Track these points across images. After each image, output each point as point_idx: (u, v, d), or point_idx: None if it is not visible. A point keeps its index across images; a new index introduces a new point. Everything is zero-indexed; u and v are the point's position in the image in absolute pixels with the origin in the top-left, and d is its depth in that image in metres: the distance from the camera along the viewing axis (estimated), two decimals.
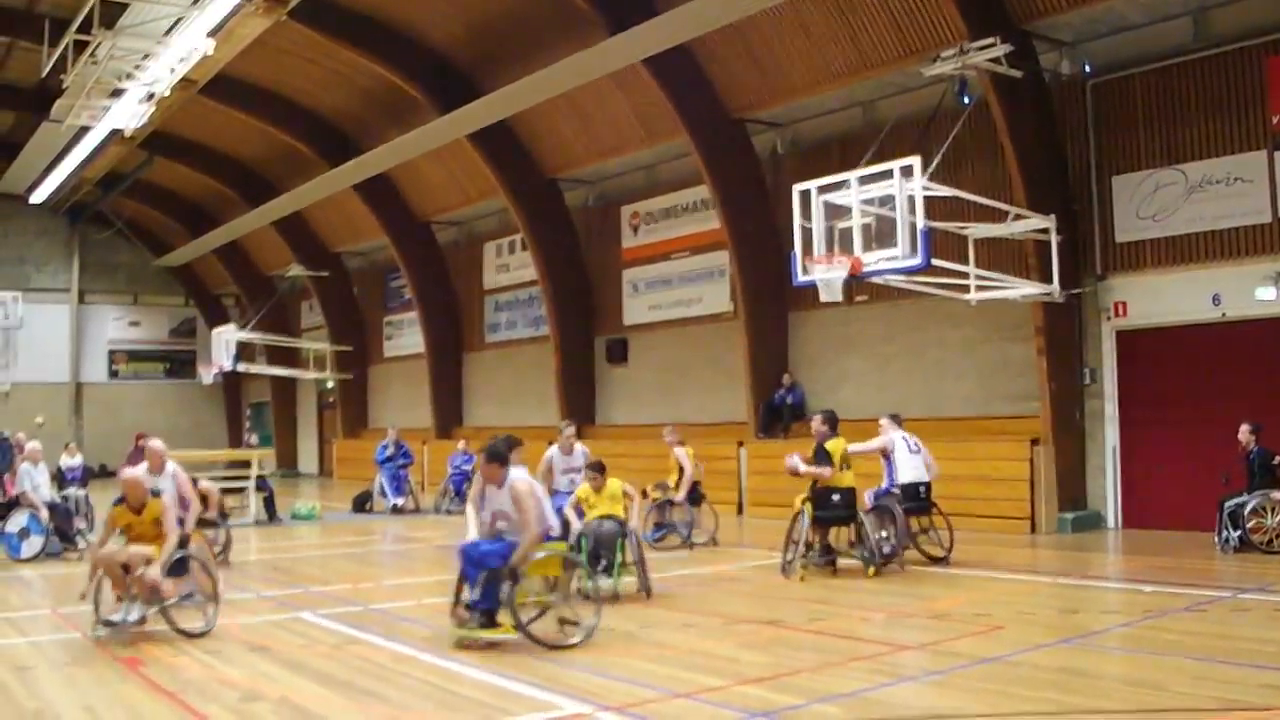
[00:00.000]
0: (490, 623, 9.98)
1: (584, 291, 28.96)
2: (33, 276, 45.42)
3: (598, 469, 13.15)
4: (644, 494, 17.26)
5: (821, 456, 14.08)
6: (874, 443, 15.26)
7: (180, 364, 48.57)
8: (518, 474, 10.35)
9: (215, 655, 10.00)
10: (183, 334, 48.93)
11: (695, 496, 17.90)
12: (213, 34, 20.45)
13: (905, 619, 11.30)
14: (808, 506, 13.95)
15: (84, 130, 27.53)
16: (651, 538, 17.29)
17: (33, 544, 17.25)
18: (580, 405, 28.34)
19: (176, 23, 20.30)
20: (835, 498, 13.99)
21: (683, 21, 19.92)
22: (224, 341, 35.21)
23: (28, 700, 8.50)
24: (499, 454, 10.32)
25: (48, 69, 23.06)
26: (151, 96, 22.87)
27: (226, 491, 23.80)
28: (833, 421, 14.51)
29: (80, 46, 21.06)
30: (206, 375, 40.67)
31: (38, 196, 39.87)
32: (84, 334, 46.73)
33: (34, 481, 17.64)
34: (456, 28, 26.02)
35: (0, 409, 37.96)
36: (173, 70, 21.61)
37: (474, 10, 25.16)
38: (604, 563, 12.32)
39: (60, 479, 22.08)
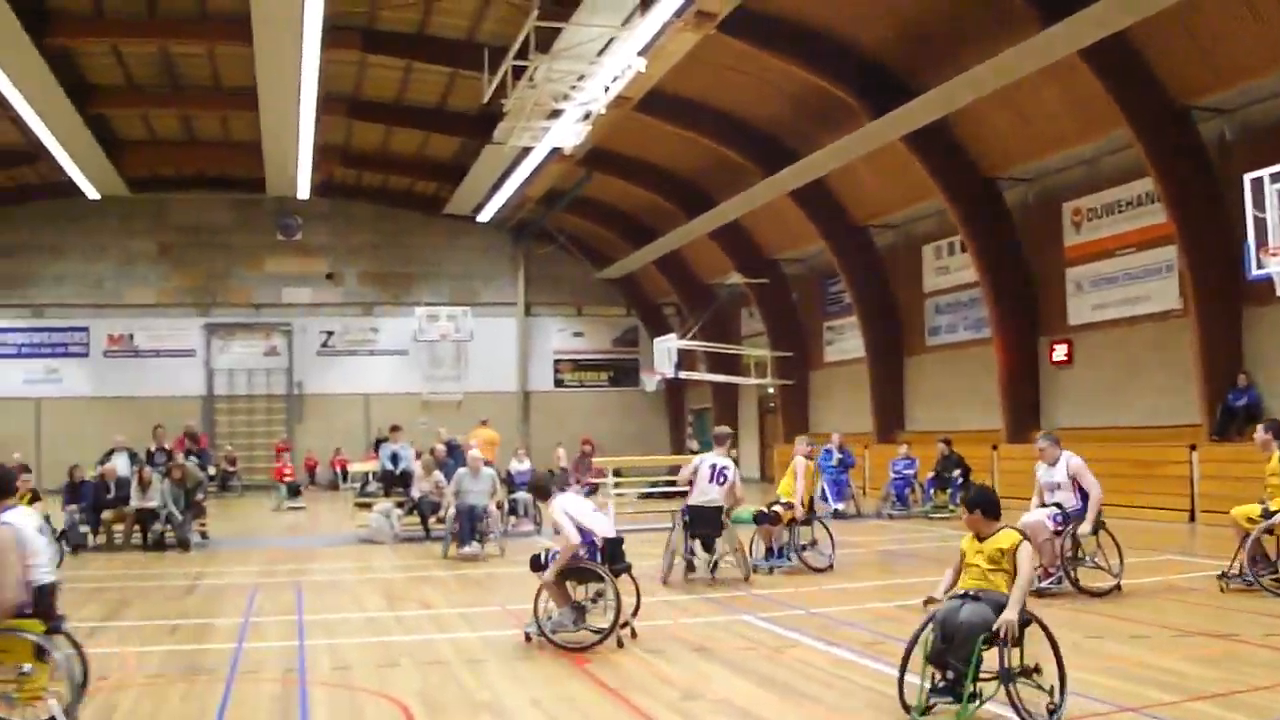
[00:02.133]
0: None
1: (1026, 291, 29.10)
2: (481, 292, 49.39)
3: (982, 504, 8.26)
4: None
5: None
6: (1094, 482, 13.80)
7: (623, 372, 51.29)
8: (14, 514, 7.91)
9: (658, 654, 10.80)
10: (625, 343, 51.75)
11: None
12: (644, 52, 22.14)
13: None
14: None
15: (525, 151, 30.15)
16: (765, 565, 16.83)
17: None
18: (1024, 408, 28.69)
19: (609, 43, 22.13)
20: None
21: (1120, 8, 19.89)
22: (665, 350, 37.14)
23: (478, 691, 9.56)
24: None
25: (489, 95, 25.52)
26: (588, 115, 24.82)
27: (668, 495, 25.15)
28: (1278, 430, 13.70)
29: (518, 71, 23.36)
30: (649, 383, 42.97)
31: (484, 216, 43.91)
32: (530, 345, 50.22)
33: (461, 486, 19.92)
34: (885, 29, 26.65)
35: (453, 417, 40.78)
36: (607, 89, 23.51)
37: (903, 11, 25.72)
38: (951, 674, 7.76)
39: (510, 483, 24.34)
